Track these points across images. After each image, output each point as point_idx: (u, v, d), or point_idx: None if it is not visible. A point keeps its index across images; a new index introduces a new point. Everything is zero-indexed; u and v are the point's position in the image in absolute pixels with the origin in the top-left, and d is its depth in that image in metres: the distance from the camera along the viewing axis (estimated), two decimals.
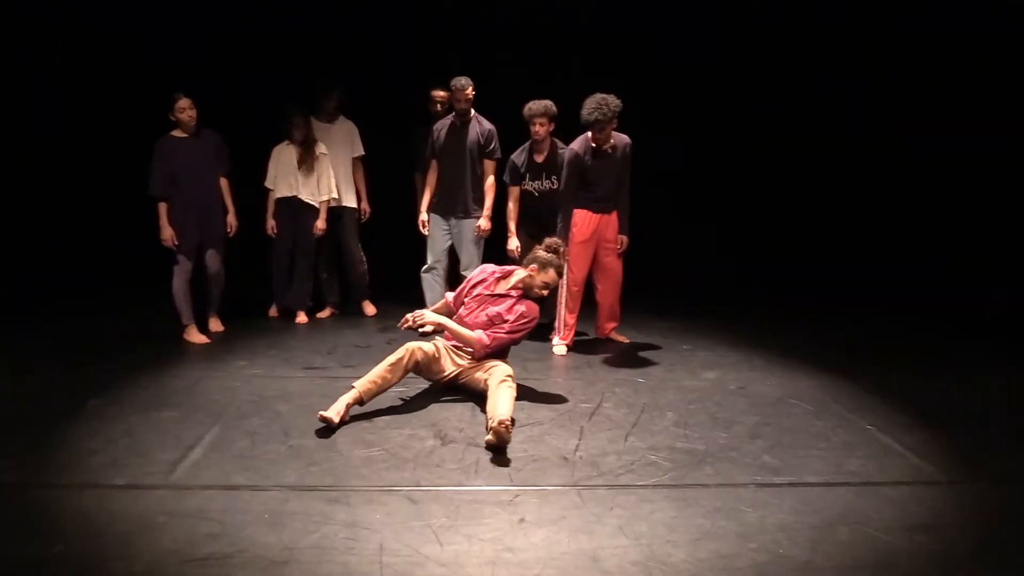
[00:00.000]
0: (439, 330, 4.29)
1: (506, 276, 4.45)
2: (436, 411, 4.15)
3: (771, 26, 7.49)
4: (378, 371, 4.03)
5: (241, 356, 5.15)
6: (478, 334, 4.22)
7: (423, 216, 5.73)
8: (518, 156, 5.56)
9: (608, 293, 5.45)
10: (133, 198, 7.44)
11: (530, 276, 4.32)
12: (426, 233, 5.75)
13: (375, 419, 3.98)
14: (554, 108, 5.33)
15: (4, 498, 3.13)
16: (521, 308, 4.31)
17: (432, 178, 5.71)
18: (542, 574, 2.62)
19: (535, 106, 5.31)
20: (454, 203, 5.64)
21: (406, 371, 4.09)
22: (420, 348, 4.12)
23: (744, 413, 4.21)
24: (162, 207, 5.32)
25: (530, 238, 5.61)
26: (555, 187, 5.45)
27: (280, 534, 2.84)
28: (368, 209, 6.20)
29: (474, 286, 4.47)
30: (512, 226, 5.57)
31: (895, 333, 6.07)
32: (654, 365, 5.11)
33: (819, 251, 7.72)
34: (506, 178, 5.62)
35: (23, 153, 7.10)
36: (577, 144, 5.15)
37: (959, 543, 2.89)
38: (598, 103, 4.89)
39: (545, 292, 4.38)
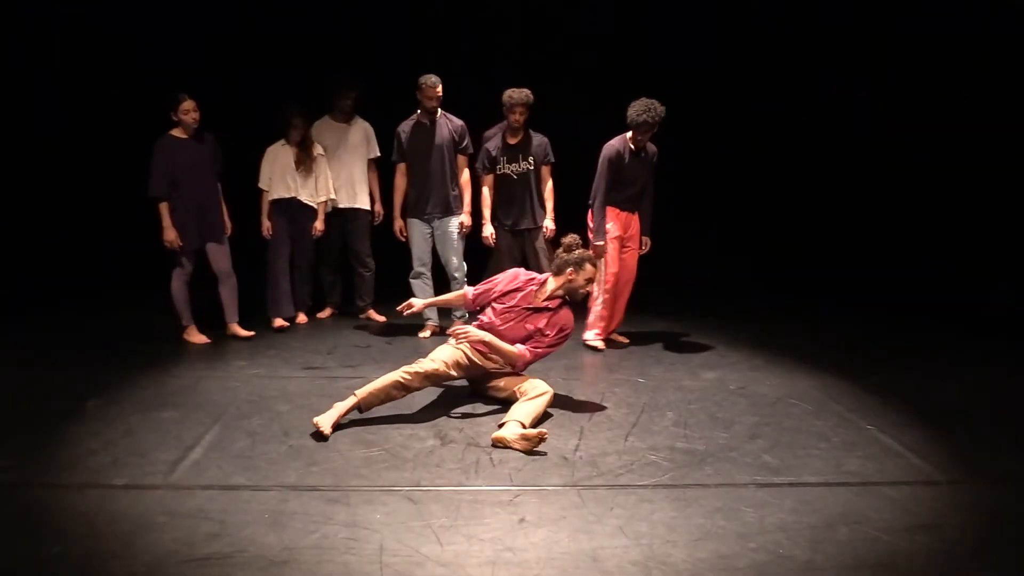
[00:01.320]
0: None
1: (541, 286, 4.33)
2: (436, 411, 4.15)
3: (771, 25, 7.49)
4: (383, 385, 3.94)
5: (241, 356, 5.15)
6: (519, 349, 4.18)
7: (399, 222, 5.69)
8: (489, 143, 5.59)
9: (620, 293, 5.48)
10: (132, 198, 7.48)
11: (569, 280, 4.26)
12: (403, 239, 5.70)
13: (375, 419, 3.97)
14: (532, 97, 5.40)
15: (4, 498, 3.13)
16: (560, 322, 4.25)
17: (402, 181, 5.65)
18: (542, 574, 2.62)
19: (517, 95, 5.35)
20: (434, 203, 5.59)
21: (412, 392, 4.06)
22: (435, 372, 4.04)
23: (744, 413, 4.21)
24: (164, 208, 5.26)
25: (510, 234, 5.60)
26: (531, 168, 5.54)
27: (280, 534, 2.84)
28: (381, 211, 6.10)
29: (506, 293, 4.33)
30: (487, 213, 5.58)
31: (895, 333, 6.07)
32: (654, 365, 5.11)
33: (819, 251, 7.71)
34: (479, 166, 5.62)
35: (23, 153, 7.10)
36: (617, 143, 5.26)
37: (959, 543, 2.89)
38: (647, 106, 5.05)
39: (590, 288, 4.46)
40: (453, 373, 4.13)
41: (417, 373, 3.98)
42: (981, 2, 6.58)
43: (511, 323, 4.25)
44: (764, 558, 2.74)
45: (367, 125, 6.02)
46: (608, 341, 5.59)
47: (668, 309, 6.63)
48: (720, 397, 4.47)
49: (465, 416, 4.09)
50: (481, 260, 5.90)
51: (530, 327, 4.23)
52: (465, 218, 5.63)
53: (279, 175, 5.74)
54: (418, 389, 4.06)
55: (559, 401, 4.33)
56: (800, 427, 4.02)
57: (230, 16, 7.11)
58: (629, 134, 5.23)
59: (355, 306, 6.29)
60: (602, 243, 5.27)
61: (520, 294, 4.30)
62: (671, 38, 7.47)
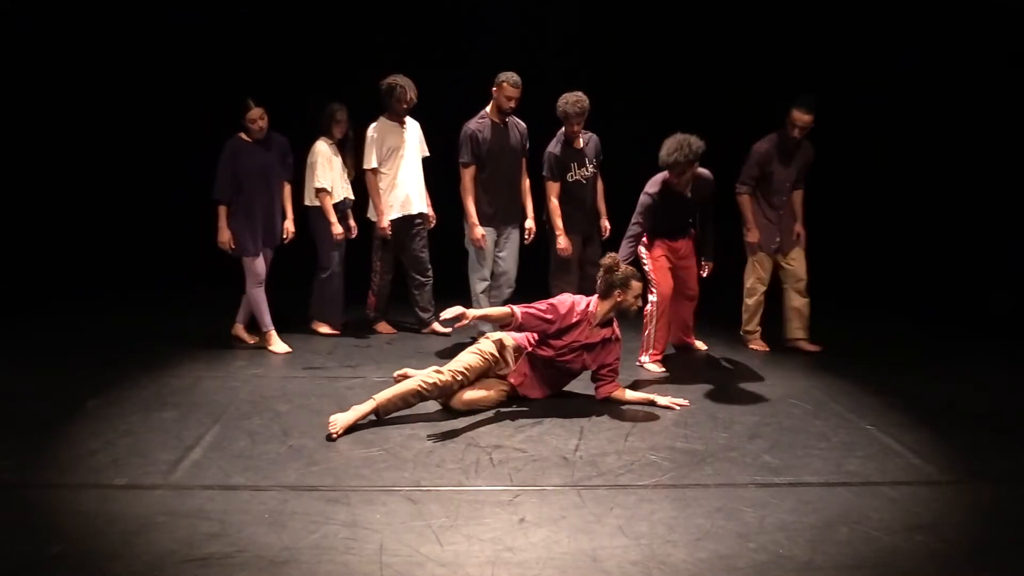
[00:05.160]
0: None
1: (591, 319, 4.23)
2: (436, 411, 4.14)
3: (771, 24, 7.48)
4: (401, 392, 3.93)
5: (241, 356, 5.15)
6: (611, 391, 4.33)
7: (481, 230, 5.25)
8: (555, 148, 5.27)
9: (680, 309, 5.31)
10: (133, 198, 7.49)
11: (618, 302, 4.19)
12: (482, 247, 5.29)
13: (375, 419, 3.97)
14: (588, 104, 5.14)
15: (4, 498, 3.13)
16: (613, 355, 4.33)
17: (473, 185, 5.26)
18: (542, 574, 2.62)
19: (572, 107, 5.07)
20: (505, 209, 5.34)
21: (429, 400, 4.06)
22: (451, 384, 4.01)
23: (744, 413, 4.21)
24: (222, 210, 5.11)
25: (581, 242, 5.37)
26: (596, 171, 5.36)
27: (280, 534, 2.84)
28: (434, 215, 5.73)
29: (565, 330, 4.18)
30: (560, 223, 5.22)
31: (896, 333, 6.07)
32: (654, 365, 5.10)
33: (819, 250, 7.69)
34: (547, 173, 5.28)
35: (22, 152, 7.09)
36: (653, 187, 4.89)
37: (959, 543, 2.89)
38: (679, 144, 4.66)
39: (641, 302, 4.39)
40: (471, 382, 4.13)
41: (435, 385, 3.97)
42: (981, 3, 6.59)
43: (568, 358, 4.24)
44: (764, 558, 2.74)
45: (417, 124, 5.61)
46: (686, 348, 5.45)
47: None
48: (720, 397, 4.46)
49: (466, 416, 4.08)
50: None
51: (587, 362, 4.28)
52: (532, 224, 5.41)
53: (337, 176, 5.47)
54: (435, 399, 4.06)
55: (560, 401, 4.33)
56: (800, 427, 4.02)
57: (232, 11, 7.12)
58: (666, 174, 4.82)
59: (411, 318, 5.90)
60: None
61: (577, 330, 4.21)
62: (671, 36, 7.47)
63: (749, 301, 5.50)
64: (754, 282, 5.47)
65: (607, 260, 4.26)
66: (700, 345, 5.54)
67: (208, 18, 7.12)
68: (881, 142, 7.53)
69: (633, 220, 4.94)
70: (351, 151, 5.56)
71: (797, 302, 5.43)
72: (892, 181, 7.57)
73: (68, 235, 7.26)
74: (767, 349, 5.49)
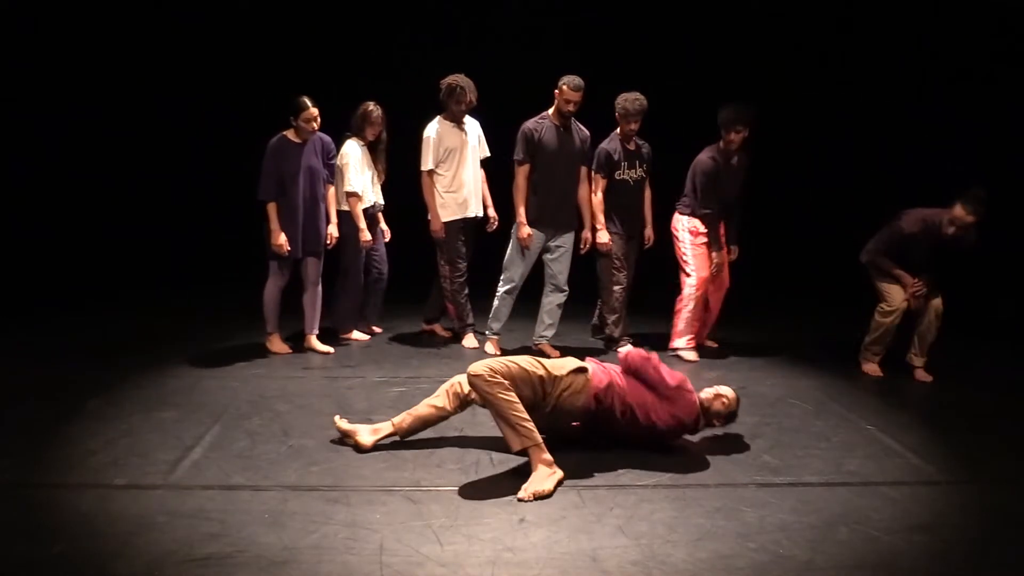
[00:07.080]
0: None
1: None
2: None
3: (771, 23, 7.50)
4: (424, 415, 3.69)
5: (241, 356, 5.14)
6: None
7: (528, 229, 5.12)
8: (608, 145, 5.26)
9: (714, 301, 5.39)
10: (134, 198, 7.50)
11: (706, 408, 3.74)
12: (527, 247, 5.17)
13: (374, 419, 3.96)
14: (647, 105, 5.14)
15: (4, 498, 3.13)
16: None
17: (526, 184, 5.13)
18: (542, 574, 2.62)
19: (632, 106, 5.06)
20: (558, 215, 5.20)
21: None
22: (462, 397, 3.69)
23: (744, 413, 4.19)
24: (272, 209, 4.91)
25: (623, 240, 5.34)
26: (646, 176, 5.37)
27: (280, 534, 2.84)
28: (496, 217, 5.53)
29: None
30: (602, 219, 5.23)
31: (895, 333, 6.05)
32: None
33: (819, 250, 7.71)
34: (595, 167, 5.23)
35: (24, 153, 7.10)
36: (708, 153, 5.23)
37: (959, 543, 2.89)
38: (737, 106, 5.09)
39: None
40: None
41: (431, 412, 3.69)
42: (981, 4, 6.59)
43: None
44: (764, 558, 2.74)
45: (477, 123, 5.43)
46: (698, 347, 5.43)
47: (668, 309, 6.60)
48: None
49: (465, 416, 4.05)
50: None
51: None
52: (588, 233, 5.27)
53: (368, 179, 5.27)
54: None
55: None
56: (800, 427, 4.03)
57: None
58: (721, 143, 5.16)
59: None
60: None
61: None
62: (672, 36, 7.48)
63: (883, 320, 5.01)
64: (900, 301, 4.98)
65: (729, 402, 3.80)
66: (711, 344, 5.58)
67: (207, 19, 7.13)
68: (881, 140, 7.54)
69: (704, 200, 5.20)
70: (384, 154, 5.36)
71: (924, 324, 5.01)
72: (893, 179, 7.57)
73: (69, 236, 7.26)
74: (880, 375, 5.01)
